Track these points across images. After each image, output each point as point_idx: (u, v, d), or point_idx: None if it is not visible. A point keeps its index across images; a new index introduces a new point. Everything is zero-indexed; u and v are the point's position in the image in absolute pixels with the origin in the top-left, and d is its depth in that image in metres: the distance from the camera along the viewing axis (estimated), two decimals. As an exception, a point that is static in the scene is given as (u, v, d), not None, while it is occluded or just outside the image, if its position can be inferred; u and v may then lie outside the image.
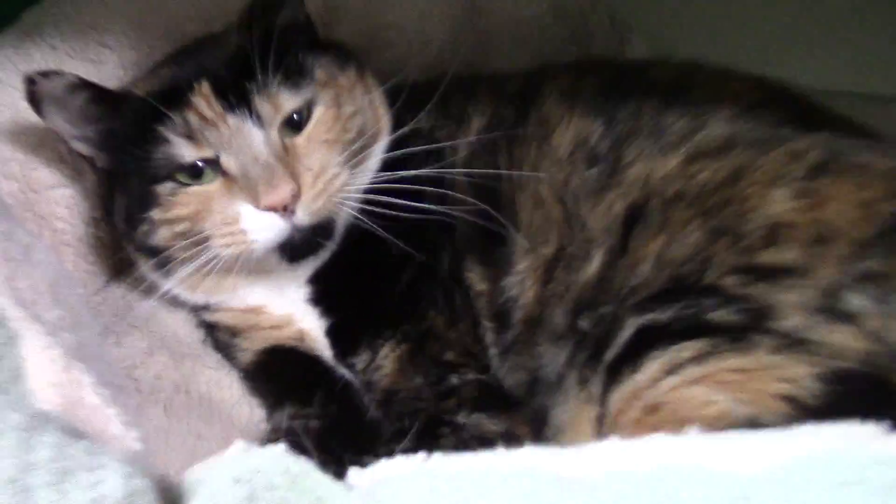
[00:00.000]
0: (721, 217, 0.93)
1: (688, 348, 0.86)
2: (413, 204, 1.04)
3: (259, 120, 1.01)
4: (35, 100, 1.04)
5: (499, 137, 1.09)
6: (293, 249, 1.06)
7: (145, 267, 1.13)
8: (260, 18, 1.05)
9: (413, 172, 1.06)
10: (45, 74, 1.03)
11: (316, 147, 1.03)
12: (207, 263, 1.03)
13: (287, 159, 1.01)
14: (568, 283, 1.01)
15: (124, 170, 1.07)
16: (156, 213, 1.05)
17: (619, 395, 0.88)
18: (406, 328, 1.07)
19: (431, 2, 1.36)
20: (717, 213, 0.93)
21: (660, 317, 0.90)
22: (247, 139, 1.00)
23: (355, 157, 1.07)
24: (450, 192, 1.08)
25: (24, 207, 1.14)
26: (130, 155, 1.05)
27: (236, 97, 1.01)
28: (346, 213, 1.06)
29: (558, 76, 1.15)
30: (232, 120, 1.00)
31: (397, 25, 1.34)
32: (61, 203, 1.17)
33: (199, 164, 1.02)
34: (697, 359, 0.85)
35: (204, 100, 1.01)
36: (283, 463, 0.63)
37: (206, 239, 1.03)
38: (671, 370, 0.85)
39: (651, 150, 1.00)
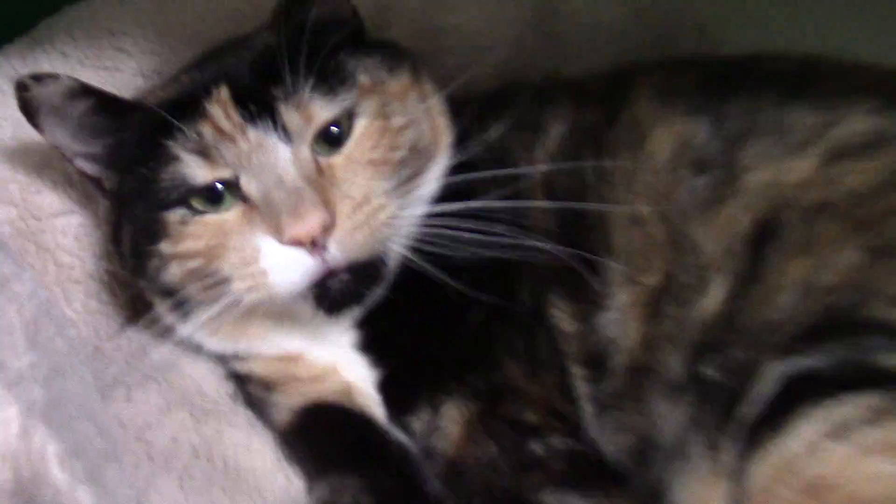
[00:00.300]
0: (880, 232, 0.77)
1: (856, 403, 0.68)
2: (482, 237, 0.84)
3: (286, 133, 0.83)
4: (29, 109, 0.88)
5: (583, 145, 0.92)
6: (329, 298, 0.86)
7: (161, 307, 0.95)
8: (292, 12, 0.87)
9: (481, 203, 0.87)
10: (39, 78, 0.86)
11: (358, 169, 0.85)
12: (227, 308, 0.85)
13: (320, 182, 0.83)
14: (682, 321, 0.82)
15: (131, 193, 0.90)
16: (165, 246, 0.87)
17: (763, 467, 0.69)
18: (475, 380, 0.88)
19: (499, 3, 1.19)
20: (874, 227, 0.77)
21: (812, 362, 0.71)
22: (270, 157, 0.83)
23: (407, 181, 0.89)
24: (528, 212, 0.90)
25: (25, 237, 0.99)
26: (137, 175, 0.88)
27: (259, 105, 0.84)
28: (396, 251, 0.87)
29: (650, 73, 0.96)
30: (253, 133, 0.83)
31: (459, 29, 1.17)
32: (68, 233, 1.01)
33: (218, 186, 0.85)
34: (872, 418, 0.66)
35: (221, 108, 0.84)
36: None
37: (224, 280, 0.85)
38: (837, 434, 0.67)
39: (775, 151, 0.83)
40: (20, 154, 0.99)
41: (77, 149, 0.91)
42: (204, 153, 0.84)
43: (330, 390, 0.94)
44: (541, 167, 0.92)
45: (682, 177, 0.85)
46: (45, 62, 1.03)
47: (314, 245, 0.80)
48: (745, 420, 0.73)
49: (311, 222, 0.80)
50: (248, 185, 0.84)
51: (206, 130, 0.84)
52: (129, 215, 0.91)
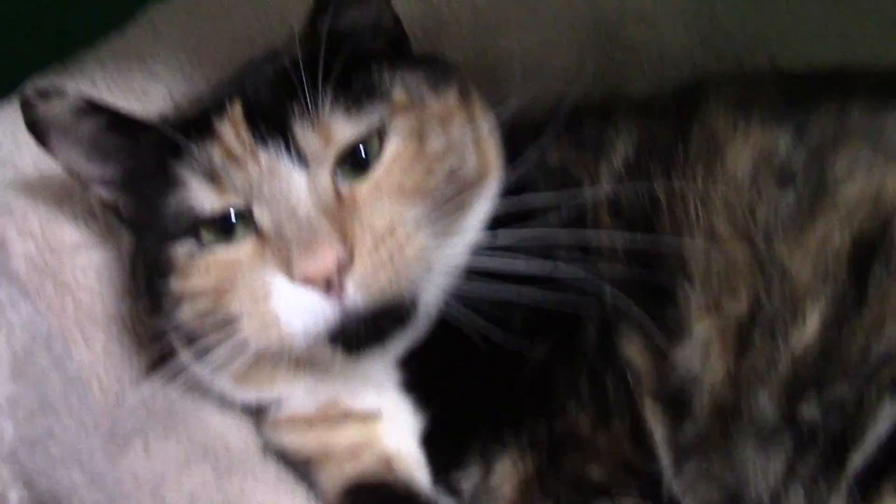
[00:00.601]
0: None
1: None
2: (539, 271, 0.74)
3: (301, 157, 0.74)
4: (37, 129, 0.81)
5: (653, 163, 0.81)
6: (348, 338, 0.75)
7: (184, 353, 0.85)
8: (322, 19, 0.79)
9: (537, 231, 0.77)
10: (44, 94, 0.79)
11: (385, 197, 0.75)
12: (237, 352, 0.76)
13: (338, 213, 0.73)
14: (774, 355, 0.71)
15: (142, 223, 0.83)
16: (174, 283, 0.79)
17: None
18: (534, 430, 0.76)
19: (556, 27, 1.12)
20: None
21: None
22: (283, 183, 0.74)
23: (446, 214, 0.78)
24: (592, 238, 0.79)
25: (42, 273, 0.91)
26: (148, 202, 0.80)
27: (272, 124, 0.74)
28: (431, 293, 0.77)
29: (721, 86, 0.86)
30: (265, 157, 0.74)
31: (514, 54, 1.09)
32: (88, 269, 0.93)
33: (231, 214, 0.76)
34: None
35: (232, 128, 0.76)
36: None
37: (233, 320, 0.75)
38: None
39: (872, 160, 0.73)
40: (41, 185, 0.92)
41: (91, 172, 0.84)
42: (212, 177, 0.75)
43: (367, 464, 0.84)
44: (605, 188, 0.82)
45: (765, 192, 0.75)
46: (73, 89, 0.96)
47: (329, 286, 0.71)
48: (857, 469, 0.63)
49: (324, 259, 0.70)
50: (261, 214, 0.75)
51: (216, 152, 0.75)
52: (141, 247, 0.84)
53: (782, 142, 0.76)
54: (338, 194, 0.74)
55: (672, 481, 0.74)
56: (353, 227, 0.72)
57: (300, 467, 0.87)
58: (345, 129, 0.75)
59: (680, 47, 1.17)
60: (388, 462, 0.83)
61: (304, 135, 0.74)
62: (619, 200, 0.81)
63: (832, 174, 0.73)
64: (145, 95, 0.97)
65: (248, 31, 1.00)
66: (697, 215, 0.76)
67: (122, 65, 0.98)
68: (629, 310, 0.75)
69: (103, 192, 0.86)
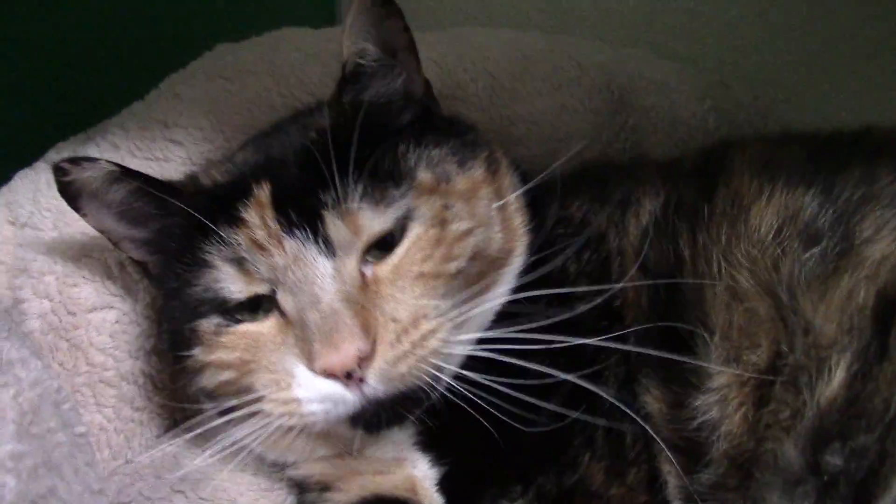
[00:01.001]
0: None
1: None
2: (563, 338, 0.73)
3: (328, 245, 0.74)
4: (69, 193, 0.82)
5: (678, 220, 0.81)
6: (369, 420, 0.75)
7: (206, 410, 0.85)
8: (349, 90, 0.80)
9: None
10: (77, 162, 0.80)
11: (406, 284, 0.75)
12: (261, 428, 0.76)
13: (361, 303, 0.73)
14: (797, 406, 0.69)
15: (169, 291, 0.83)
16: (199, 353, 0.80)
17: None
18: (544, 483, 0.74)
19: (571, 92, 1.12)
20: None
21: None
22: (308, 272, 0.74)
23: (471, 296, 0.78)
24: (617, 293, 0.79)
25: (57, 334, 0.91)
26: (175, 274, 0.80)
27: (301, 212, 0.75)
28: (450, 369, 0.76)
29: (748, 147, 0.86)
30: (290, 244, 0.75)
31: (529, 119, 1.09)
32: (103, 330, 0.93)
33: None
34: None
35: (258, 214, 0.76)
36: None
37: (257, 398, 0.76)
38: None
39: None
40: (60, 246, 0.93)
41: (122, 232, 0.85)
42: (240, 264, 0.76)
43: (392, 484, 0.82)
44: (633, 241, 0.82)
45: (790, 250, 0.74)
46: (96, 152, 0.98)
47: (350, 377, 0.71)
48: None
49: (345, 353, 0.70)
50: (285, 300, 0.76)
51: (242, 240, 0.76)
52: (167, 314, 0.84)
53: (808, 202, 0.76)
54: (363, 281, 0.75)
55: None
56: (375, 317, 0.72)
57: (314, 496, 0.85)
58: (373, 222, 0.75)
59: (693, 114, 1.17)
60: (413, 487, 0.81)
61: (335, 225, 0.74)
62: (644, 254, 0.81)
63: (859, 234, 0.73)
64: (166, 161, 0.98)
65: (267, 95, 1.01)
66: (720, 270, 0.76)
67: (144, 130, 0.99)
68: (651, 358, 0.74)
69: (133, 251, 0.87)
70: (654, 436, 0.72)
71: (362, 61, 0.79)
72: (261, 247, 0.75)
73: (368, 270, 0.75)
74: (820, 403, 0.68)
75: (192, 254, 0.78)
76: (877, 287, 0.70)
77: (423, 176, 0.79)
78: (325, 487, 0.84)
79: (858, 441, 0.66)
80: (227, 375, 0.78)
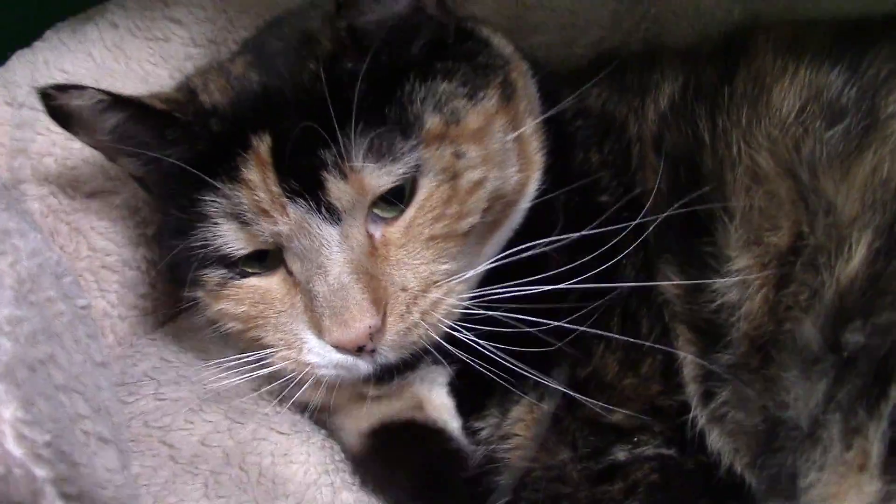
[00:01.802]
0: None
1: None
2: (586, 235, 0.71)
3: (332, 212, 0.69)
4: (59, 117, 0.76)
5: (698, 102, 0.78)
6: (381, 375, 0.75)
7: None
8: (343, 18, 0.71)
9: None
10: (63, 89, 0.74)
11: (417, 247, 0.71)
12: (271, 376, 0.76)
13: (370, 272, 0.69)
14: (816, 286, 0.68)
15: (167, 224, 0.78)
16: (203, 298, 0.77)
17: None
18: (557, 374, 0.72)
19: (591, -21, 1.05)
20: None
21: None
22: (314, 241, 0.70)
23: (480, 241, 0.75)
24: (636, 172, 0.78)
25: (57, 217, 0.89)
26: (173, 216, 0.75)
27: (301, 177, 0.68)
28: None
29: (773, 29, 0.82)
30: (294, 212, 0.69)
31: (547, 5, 1.03)
32: (104, 214, 0.91)
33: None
34: None
35: (259, 173, 0.69)
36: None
37: (268, 345, 0.75)
38: None
39: None
40: (58, 127, 0.89)
41: (120, 161, 0.81)
42: (241, 221, 0.71)
43: (399, 406, 0.81)
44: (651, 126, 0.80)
45: (812, 129, 0.72)
46: (95, 33, 0.94)
47: (361, 350, 0.69)
48: None
49: (356, 330, 0.68)
50: (292, 262, 0.72)
51: (244, 199, 0.70)
52: (165, 244, 0.78)
53: (833, 79, 0.73)
54: (371, 245, 0.71)
55: (699, 416, 0.71)
56: (385, 287, 0.69)
57: (322, 415, 0.84)
58: (379, 179, 0.69)
59: (717, 4, 1.11)
60: (420, 404, 0.80)
61: (337, 187, 0.68)
62: (662, 135, 0.78)
63: (884, 108, 0.70)
64: (166, 40, 0.94)
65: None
66: (740, 152, 0.73)
67: (144, 9, 0.95)
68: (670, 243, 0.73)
69: (131, 166, 0.81)
70: (670, 319, 0.71)
71: None
72: (264, 211, 0.70)
73: (377, 231, 0.71)
74: (840, 281, 0.66)
75: (190, 200, 0.72)
76: None
77: (432, 121, 0.71)
78: (332, 412, 0.83)
79: (881, 318, 0.64)
80: (234, 325, 0.76)
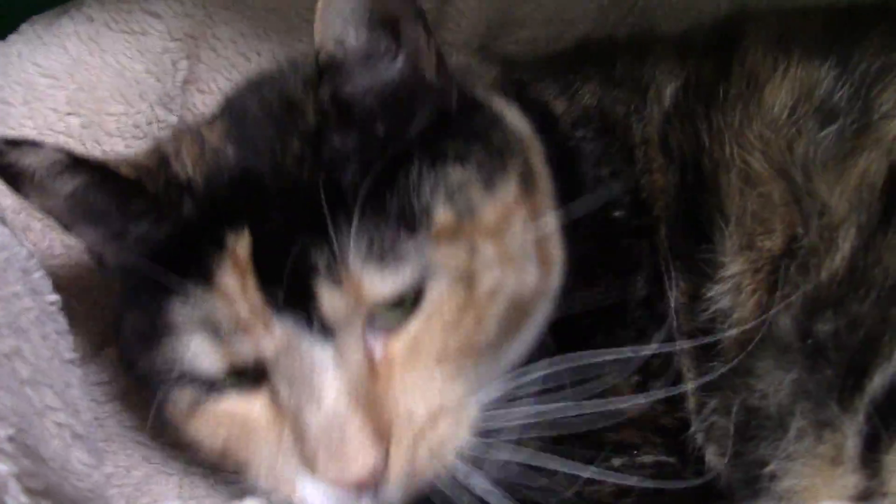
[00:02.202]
0: None
1: None
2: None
3: (325, 328, 0.59)
4: (7, 177, 0.65)
5: (697, 101, 0.76)
6: None
7: None
8: (336, 89, 0.63)
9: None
10: (16, 144, 0.63)
11: (426, 365, 0.61)
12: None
13: (372, 398, 0.60)
14: (803, 284, 0.67)
15: (129, 328, 0.68)
16: (172, 416, 0.67)
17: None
18: None
19: (576, -27, 1.04)
20: None
21: None
22: (304, 363, 0.59)
23: (496, 350, 0.65)
24: (645, 170, 0.76)
25: (29, 214, 0.87)
26: (134, 303, 0.66)
27: (289, 283, 0.58)
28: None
29: (761, 20, 0.82)
30: (280, 328, 0.59)
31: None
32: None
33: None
34: None
35: (237, 277, 0.60)
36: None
37: (252, 476, 0.65)
38: None
39: None
40: (30, 121, 0.88)
41: (75, 232, 0.70)
42: (215, 332, 0.60)
43: None
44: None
45: (805, 129, 0.70)
46: (70, 26, 0.92)
47: (361, 488, 0.59)
48: (873, 394, 0.59)
49: (355, 471, 0.58)
50: (278, 383, 0.61)
51: (218, 306, 0.60)
52: (124, 333, 0.68)
53: (823, 75, 0.71)
54: (371, 364, 0.60)
55: (698, 430, 0.70)
56: (388, 417, 0.59)
57: None
58: (382, 286, 0.59)
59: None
60: None
61: (331, 297, 0.58)
62: (667, 136, 0.76)
63: (878, 108, 0.69)
64: (143, 34, 0.92)
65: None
66: (733, 155, 0.71)
67: (121, 2, 0.93)
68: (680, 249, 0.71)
69: (88, 238, 0.71)
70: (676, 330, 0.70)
71: (341, 50, 0.62)
72: (244, 325, 0.60)
73: (377, 345, 0.61)
74: (821, 277, 0.65)
75: (155, 301, 0.62)
76: (890, 160, 0.66)
77: (443, 214, 0.62)
78: None
79: (852, 309, 0.63)
80: (210, 452, 0.66)
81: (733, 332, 0.67)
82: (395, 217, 0.60)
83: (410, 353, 0.61)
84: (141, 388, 0.70)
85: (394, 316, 0.61)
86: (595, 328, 0.69)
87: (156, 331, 0.62)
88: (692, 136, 0.74)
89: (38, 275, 0.69)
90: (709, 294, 0.69)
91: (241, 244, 0.60)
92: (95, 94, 0.90)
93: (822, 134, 0.69)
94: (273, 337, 0.59)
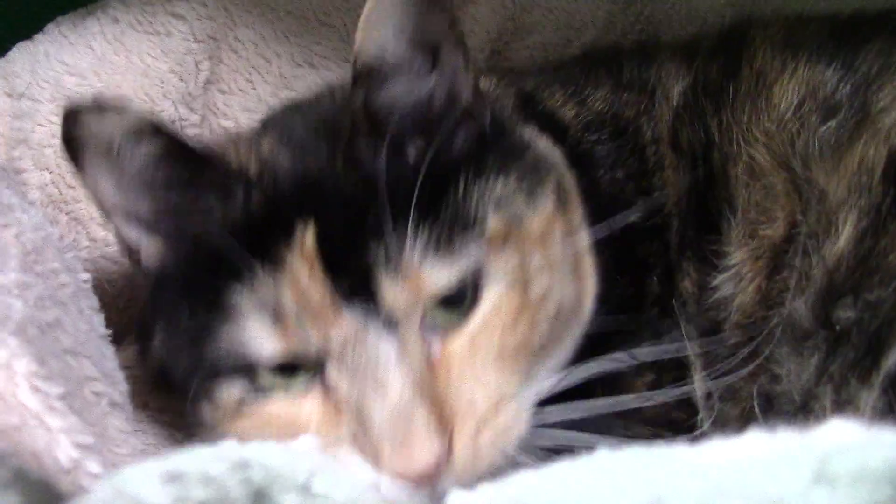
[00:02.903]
0: None
1: None
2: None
3: (389, 318, 0.60)
4: (73, 144, 0.64)
5: (706, 100, 0.80)
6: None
7: None
8: (373, 98, 0.64)
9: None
10: (101, 109, 0.62)
11: (486, 362, 0.62)
12: None
13: (433, 389, 0.60)
14: (806, 267, 0.70)
15: (176, 324, 0.67)
16: (209, 414, 0.66)
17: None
18: None
19: (586, -19, 1.07)
20: None
21: None
22: (371, 354, 0.60)
23: (546, 357, 0.67)
24: (656, 172, 0.78)
25: (57, 207, 0.90)
26: (182, 288, 0.66)
27: (352, 274, 0.60)
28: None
29: (769, 25, 0.85)
30: (349, 317, 0.60)
31: (544, 5, 1.05)
32: (105, 204, 0.90)
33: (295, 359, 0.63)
34: None
35: (305, 264, 0.61)
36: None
37: None
38: None
39: None
40: (59, 118, 0.89)
41: (122, 201, 0.68)
42: (277, 317, 0.61)
43: None
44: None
45: (807, 124, 0.74)
46: (96, 26, 0.95)
47: (427, 479, 0.59)
48: (890, 370, 0.62)
49: (422, 459, 0.57)
50: (337, 378, 0.61)
51: (285, 290, 0.61)
52: (170, 348, 0.68)
53: (829, 76, 0.75)
54: (430, 359, 0.61)
55: (704, 420, 0.72)
56: (450, 407, 0.60)
57: None
58: (439, 276, 0.61)
59: (710, 7, 1.14)
60: None
61: (394, 288, 0.60)
62: (677, 131, 0.79)
63: (875, 103, 0.72)
64: (168, 35, 0.95)
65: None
66: (740, 149, 0.75)
67: (146, 4, 0.96)
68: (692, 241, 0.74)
69: (125, 228, 0.70)
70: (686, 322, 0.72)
71: (380, 58, 0.64)
72: (313, 312, 0.61)
73: (435, 343, 0.62)
74: (827, 260, 0.68)
75: (214, 289, 0.62)
76: (889, 146, 0.69)
77: (494, 221, 0.64)
78: None
79: (872, 295, 0.65)
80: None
81: (735, 317, 0.71)
82: (449, 220, 0.62)
83: (470, 349, 0.62)
84: (168, 388, 0.70)
85: (449, 318, 0.62)
86: (615, 331, 0.70)
87: (210, 320, 0.62)
88: (702, 131, 0.77)
89: (70, 254, 0.72)
90: (714, 283, 0.72)
91: (308, 234, 0.61)
92: (120, 93, 0.93)
93: (823, 128, 0.72)
94: (341, 326, 0.60)
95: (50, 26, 0.96)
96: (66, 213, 0.89)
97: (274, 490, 0.40)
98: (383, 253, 0.60)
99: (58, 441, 0.47)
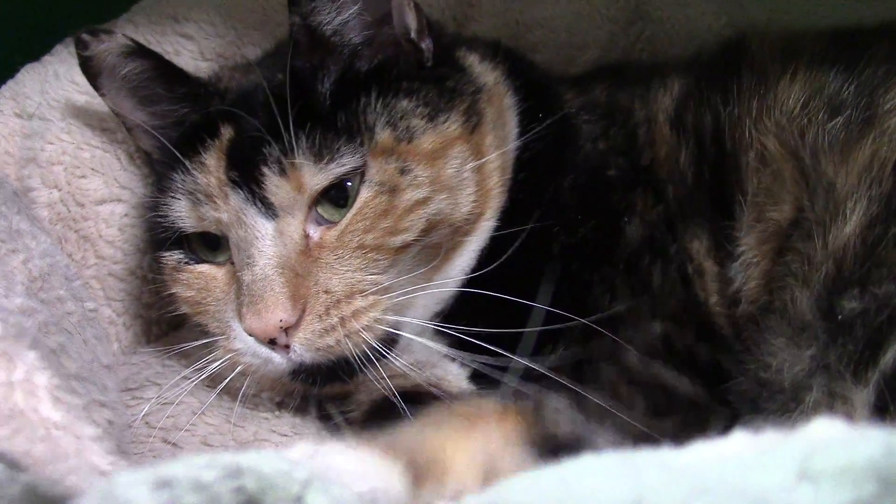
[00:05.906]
0: None
1: None
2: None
3: (268, 207, 0.73)
4: (90, 69, 0.84)
5: (711, 92, 0.83)
6: (307, 377, 0.75)
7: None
8: (313, 26, 0.76)
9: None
10: (95, 34, 0.82)
11: (347, 254, 0.73)
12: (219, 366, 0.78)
13: (297, 270, 0.72)
14: (810, 251, 0.71)
15: (157, 193, 0.82)
16: (164, 280, 0.83)
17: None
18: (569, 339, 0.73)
19: (588, 1, 1.08)
20: None
21: None
22: (249, 232, 0.73)
23: (418, 274, 0.75)
24: (648, 147, 0.83)
25: (65, 224, 0.91)
26: (160, 178, 0.82)
27: (244, 167, 0.73)
28: (413, 326, 0.76)
29: (765, 37, 0.87)
30: (234, 200, 0.74)
31: (547, 25, 1.07)
32: (112, 222, 0.93)
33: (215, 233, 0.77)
34: None
35: (216, 160, 0.75)
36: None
37: (212, 334, 0.79)
38: None
39: None
40: (68, 136, 0.92)
41: (135, 114, 0.85)
42: (194, 200, 0.76)
43: (416, 381, 0.78)
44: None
45: (815, 120, 0.76)
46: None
47: (274, 343, 0.72)
48: (886, 368, 0.61)
49: (266, 322, 0.70)
50: (233, 251, 0.76)
51: (200, 180, 0.75)
52: (149, 224, 0.84)
53: (832, 78, 0.77)
54: (307, 245, 0.73)
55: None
56: (308, 286, 0.71)
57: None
58: (315, 177, 0.72)
59: (709, 28, 1.14)
60: (439, 382, 0.79)
61: (274, 182, 0.72)
62: (680, 113, 0.83)
63: (882, 105, 0.74)
64: (177, 54, 0.96)
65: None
66: (751, 138, 0.77)
67: (155, 25, 0.98)
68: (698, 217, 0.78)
69: (142, 139, 0.87)
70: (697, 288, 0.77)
71: None
72: (210, 195, 0.75)
73: (316, 233, 0.73)
74: (832, 246, 0.69)
75: (167, 176, 0.78)
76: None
77: (382, 134, 0.74)
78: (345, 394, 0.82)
79: (881, 289, 0.66)
80: (185, 309, 0.81)
81: (743, 306, 0.73)
82: (341, 129, 0.72)
83: (338, 241, 0.72)
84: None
85: (334, 214, 0.73)
86: (575, 261, 0.77)
87: (159, 196, 0.78)
88: (709, 116, 0.81)
89: (77, 282, 0.73)
90: (730, 274, 0.75)
91: (226, 134, 0.75)
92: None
93: (831, 124, 0.75)
94: (228, 207, 0.73)
95: (59, 47, 0.98)
96: (75, 231, 0.90)
97: (267, 500, 0.40)
98: (271, 153, 0.71)
99: (91, 448, 0.48)
